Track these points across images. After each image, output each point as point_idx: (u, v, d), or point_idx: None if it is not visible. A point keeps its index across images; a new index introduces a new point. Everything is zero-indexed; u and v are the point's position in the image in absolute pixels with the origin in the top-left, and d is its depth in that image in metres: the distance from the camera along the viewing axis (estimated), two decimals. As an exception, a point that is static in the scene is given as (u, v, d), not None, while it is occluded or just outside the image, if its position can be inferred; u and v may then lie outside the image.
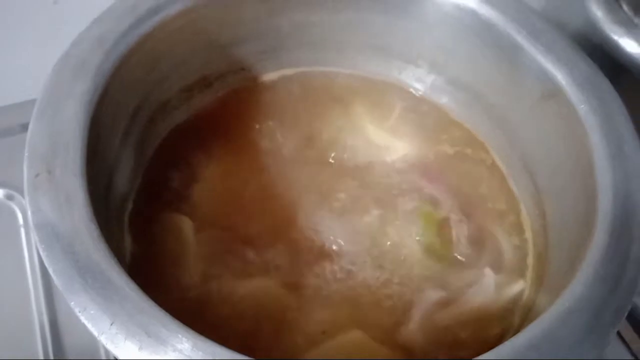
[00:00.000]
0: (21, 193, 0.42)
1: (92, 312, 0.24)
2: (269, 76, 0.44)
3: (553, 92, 0.36)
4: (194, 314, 0.33)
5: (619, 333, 0.42)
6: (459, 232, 0.39)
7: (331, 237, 0.37)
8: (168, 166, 0.39)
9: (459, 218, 0.39)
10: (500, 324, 0.35)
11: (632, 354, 0.41)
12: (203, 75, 0.41)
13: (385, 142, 0.42)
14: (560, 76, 0.36)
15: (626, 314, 0.28)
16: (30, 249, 0.40)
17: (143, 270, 0.34)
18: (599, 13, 0.46)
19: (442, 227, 0.39)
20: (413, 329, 0.35)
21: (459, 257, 0.38)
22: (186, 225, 0.36)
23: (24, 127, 0.45)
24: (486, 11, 0.38)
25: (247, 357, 0.24)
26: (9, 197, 0.42)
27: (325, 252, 0.37)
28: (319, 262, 0.36)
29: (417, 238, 0.38)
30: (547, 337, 0.26)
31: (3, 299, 0.39)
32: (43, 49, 0.41)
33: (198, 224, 0.37)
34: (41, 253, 0.25)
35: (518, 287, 0.37)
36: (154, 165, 0.38)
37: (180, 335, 0.24)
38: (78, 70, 0.31)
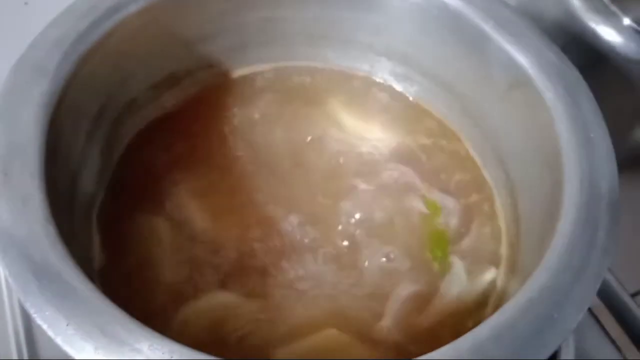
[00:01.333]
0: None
1: (47, 313, 0.24)
2: (238, 72, 0.43)
3: (520, 81, 0.36)
4: (166, 318, 0.33)
5: (607, 332, 0.42)
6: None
7: (309, 234, 0.37)
8: (137, 167, 0.38)
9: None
10: (475, 314, 0.35)
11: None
12: (170, 72, 0.40)
13: (361, 134, 0.42)
14: (526, 64, 0.35)
15: (590, 304, 0.27)
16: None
17: (112, 273, 0.34)
18: (576, 1, 0.46)
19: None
20: (387, 324, 0.34)
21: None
22: (154, 227, 0.36)
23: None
24: (453, 1, 0.38)
25: (205, 355, 0.24)
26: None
27: (302, 249, 0.36)
28: (296, 259, 0.36)
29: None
30: (509, 328, 0.26)
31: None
32: (12, 50, 0.41)
33: (168, 225, 0.36)
34: (-2, 256, 0.25)
35: (490, 275, 0.37)
36: (122, 166, 0.38)
37: (137, 335, 0.24)
38: (35, 73, 0.31)
